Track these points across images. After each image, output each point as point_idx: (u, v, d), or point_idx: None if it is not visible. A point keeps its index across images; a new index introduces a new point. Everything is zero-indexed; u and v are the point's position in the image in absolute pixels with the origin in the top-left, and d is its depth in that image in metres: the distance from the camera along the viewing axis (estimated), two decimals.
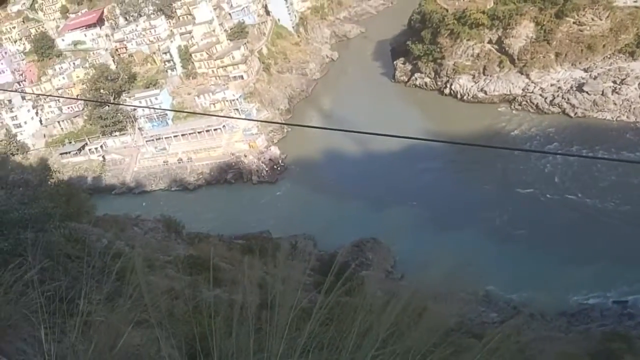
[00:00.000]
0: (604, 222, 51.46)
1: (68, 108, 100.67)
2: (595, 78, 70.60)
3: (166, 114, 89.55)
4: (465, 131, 69.30)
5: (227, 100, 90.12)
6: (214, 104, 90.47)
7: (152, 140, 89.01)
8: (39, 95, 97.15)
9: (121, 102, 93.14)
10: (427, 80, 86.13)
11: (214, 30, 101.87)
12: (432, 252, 50.63)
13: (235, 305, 3.70)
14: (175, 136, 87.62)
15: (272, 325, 3.52)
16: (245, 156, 78.89)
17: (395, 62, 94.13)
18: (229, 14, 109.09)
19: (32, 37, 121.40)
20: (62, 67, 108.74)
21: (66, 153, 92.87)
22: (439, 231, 55.17)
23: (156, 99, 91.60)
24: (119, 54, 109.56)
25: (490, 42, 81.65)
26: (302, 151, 77.30)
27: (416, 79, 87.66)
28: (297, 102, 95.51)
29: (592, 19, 76.25)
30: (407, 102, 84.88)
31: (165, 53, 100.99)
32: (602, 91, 68.06)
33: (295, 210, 66.02)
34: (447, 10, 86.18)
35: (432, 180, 64.06)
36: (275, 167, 76.94)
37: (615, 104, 66.47)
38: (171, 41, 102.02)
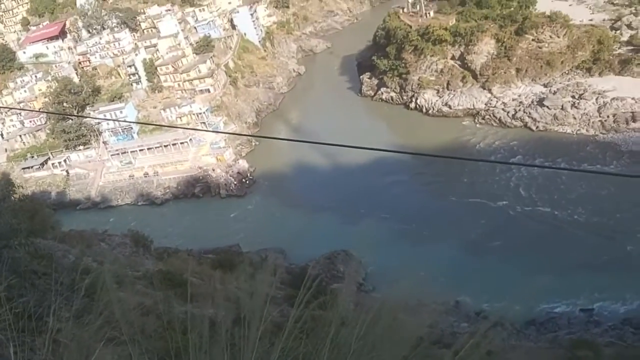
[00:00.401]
0: (570, 232, 52.84)
1: (30, 122, 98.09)
2: (554, 93, 72.96)
3: (131, 128, 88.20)
4: (431, 144, 70.49)
5: (193, 114, 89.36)
6: (180, 118, 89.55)
7: (118, 154, 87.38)
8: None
9: (86, 116, 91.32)
10: (393, 94, 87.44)
11: (179, 44, 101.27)
12: (403, 264, 51.18)
13: (208, 321, 3.69)
14: (141, 150, 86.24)
15: (245, 340, 3.52)
16: (213, 170, 78.20)
17: (361, 77, 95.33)
18: (195, 27, 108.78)
19: None
20: (23, 80, 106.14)
21: (29, 168, 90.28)
22: (408, 243, 55.77)
23: (121, 112, 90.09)
24: (82, 67, 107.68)
25: (453, 58, 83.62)
26: (271, 164, 77.19)
27: (382, 93, 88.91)
28: (265, 115, 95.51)
29: (550, 37, 79.02)
30: (374, 116, 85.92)
31: (130, 66, 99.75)
32: (562, 105, 70.33)
33: (264, 224, 65.72)
34: (410, 27, 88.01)
35: (400, 193, 64.75)
36: (243, 180, 76.49)
37: (574, 118, 68.74)
38: (136, 54, 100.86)
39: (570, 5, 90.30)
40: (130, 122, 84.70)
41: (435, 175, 66.16)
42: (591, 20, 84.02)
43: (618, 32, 79.83)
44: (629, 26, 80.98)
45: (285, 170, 75.30)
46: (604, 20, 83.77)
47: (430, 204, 61.92)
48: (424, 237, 56.16)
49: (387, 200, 63.33)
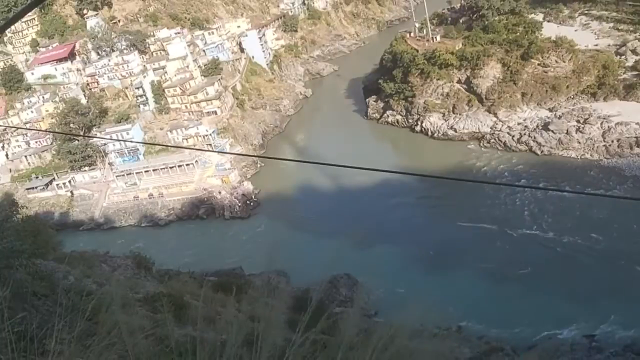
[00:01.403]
0: (574, 257, 52.28)
1: (36, 142, 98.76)
2: (560, 117, 72.96)
3: (137, 149, 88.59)
4: (436, 167, 70.38)
5: (200, 136, 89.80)
6: (186, 139, 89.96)
7: (123, 175, 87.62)
8: (5, 127, 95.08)
9: (92, 135, 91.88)
10: (399, 117, 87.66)
11: (187, 66, 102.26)
12: (407, 288, 50.71)
13: (213, 344, 3.64)
14: (146, 171, 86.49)
15: None
16: (219, 192, 78.18)
17: (367, 100, 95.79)
18: (203, 50, 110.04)
19: (1, 70, 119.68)
20: (30, 101, 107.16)
21: (33, 188, 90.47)
22: (412, 267, 55.24)
23: (127, 133, 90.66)
24: (90, 89, 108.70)
25: (459, 81, 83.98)
26: (276, 186, 77.11)
27: (388, 116, 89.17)
28: (271, 137, 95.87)
29: (556, 61, 79.39)
30: (380, 139, 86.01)
31: (138, 88, 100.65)
32: (567, 130, 70.25)
33: (267, 246, 65.29)
34: (417, 51, 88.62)
35: (404, 216, 64.38)
36: (248, 202, 76.37)
37: (579, 142, 68.58)
38: (144, 76, 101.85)
39: (575, 30, 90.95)
40: (136, 142, 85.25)
41: (439, 198, 65.80)
42: (596, 45, 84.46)
43: (623, 57, 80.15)
44: (634, 51, 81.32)
45: (290, 192, 75.20)
46: (609, 45, 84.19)
47: (434, 228, 61.47)
48: (428, 260, 55.72)
49: (391, 224, 62.93)
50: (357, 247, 60.08)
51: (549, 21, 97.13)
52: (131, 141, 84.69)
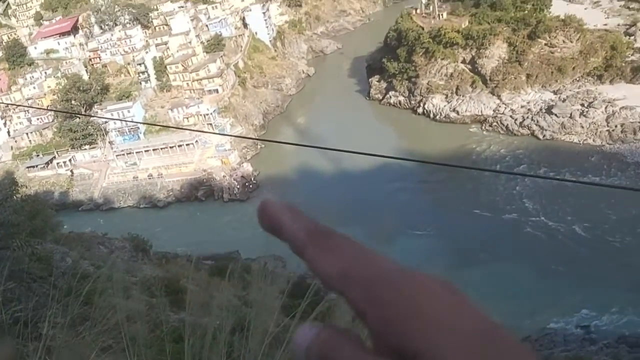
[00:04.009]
0: (569, 245, 51.90)
1: (37, 119, 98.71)
2: (564, 101, 71.48)
3: (138, 128, 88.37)
4: (437, 151, 69.55)
5: (200, 115, 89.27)
6: (187, 118, 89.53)
7: (123, 154, 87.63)
8: (8, 104, 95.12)
9: (93, 114, 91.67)
10: (401, 98, 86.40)
11: (190, 42, 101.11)
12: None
13: (204, 331, 3.65)
14: (146, 151, 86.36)
15: (245, 350, 3.50)
16: (218, 173, 78.04)
17: (370, 80, 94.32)
18: (206, 25, 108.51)
19: (4, 44, 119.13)
20: (33, 77, 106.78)
21: (33, 166, 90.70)
22: (409, 250, 55.10)
23: (129, 111, 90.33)
24: (92, 64, 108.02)
25: (464, 61, 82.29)
26: (275, 168, 76.80)
27: (390, 97, 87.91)
28: (272, 117, 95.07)
29: (564, 41, 77.35)
30: (381, 121, 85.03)
31: (140, 64, 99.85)
32: (571, 114, 68.88)
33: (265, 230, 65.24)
34: (423, 29, 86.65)
35: (404, 200, 64.03)
36: (247, 184, 76.21)
37: (582, 127, 67.30)
38: (146, 52, 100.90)
39: (585, 8, 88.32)
40: (136, 122, 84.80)
41: (439, 182, 65.28)
42: (605, 25, 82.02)
43: (632, 37, 77.87)
44: None
45: (290, 174, 74.88)
46: (618, 25, 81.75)
47: (434, 213, 61.30)
48: (424, 243, 55.63)
49: (391, 208, 62.58)
50: (357, 230, 59.83)
51: None
52: (131, 121, 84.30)
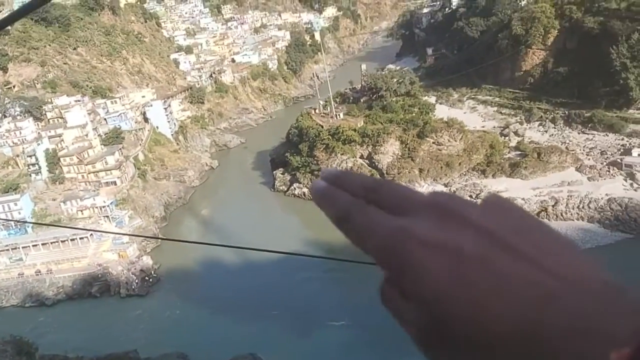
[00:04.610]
0: None
1: None
2: (454, 193, 77.76)
3: (25, 221, 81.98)
4: (340, 241, 70.70)
5: (96, 207, 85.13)
6: (81, 211, 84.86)
7: (7, 250, 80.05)
8: None
9: None
10: (305, 190, 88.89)
11: (87, 135, 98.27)
12: None
13: None
14: (34, 245, 79.69)
15: None
16: (114, 267, 73.47)
17: (274, 172, 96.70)
18: (105, 119, 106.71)
19: None
20: None
21: None
22: (320, 342, 54.36)
23: (15, 204, 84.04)
24: None
25: (362, 157, 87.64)
26: (177, 261, 73.88)
27: (295, 188, 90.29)
28: (174, 209, 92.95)
29: (449, 140, 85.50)
30: (287, 212, 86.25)
31: (31, 156, 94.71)
32: None
33: (166, 326, 61.55)
34: (322, 127, 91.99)
35: (311, 291, 63.93)
36: (146, 278, 72.27)
37: None
38: (38, 144, 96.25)
39: (464, 112, 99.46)
40: (21, 221, 78.85)
41: (345, 271, 66.16)
42: (483, 126, 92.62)
43: (507, 138, 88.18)
44: (516, 133, 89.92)
45: (192, 267, 72.34)
46: (494, 127, 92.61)
47: (339, 301, 61.50)
48: (337, 336, 55.19)
49: (297, 299, 62.17)
50: (263, 325, 58.41)
51: (440, 103, 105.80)
52: (17, 220, 78.24)
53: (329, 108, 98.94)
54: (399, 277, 0.73)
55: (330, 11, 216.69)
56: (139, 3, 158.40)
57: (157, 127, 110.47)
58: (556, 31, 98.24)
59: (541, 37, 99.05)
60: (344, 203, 0.83)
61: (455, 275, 0.65)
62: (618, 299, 0.58)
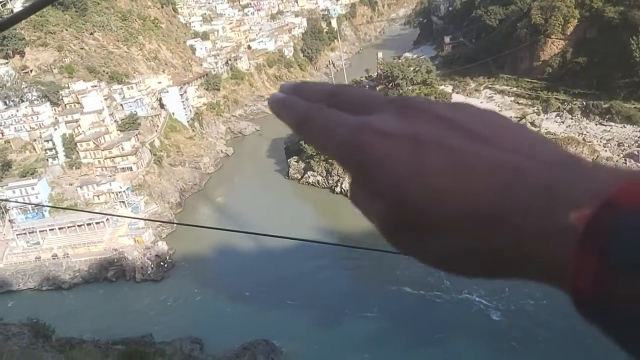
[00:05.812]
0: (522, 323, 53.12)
1: None
2: None
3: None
4: (354, 229, 70.92)
5: (112, 192, 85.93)
6: (97, 196, 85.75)
7: (25, 233, 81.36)
8: None
9: None
10: (319, 178, 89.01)
11: (103, 120, 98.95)
12: (327, 353, 49.97)
13: None
14: (51, 229, 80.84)
15: None
16: (130, 252, 74.26)
17: (289, 160, 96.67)
18: (121, 104, 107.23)
19: None
20: None
21: None
22: (332, 330, 54.60)
23: (32, 189, 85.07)
24: None
25: None
26: (192, 247, 74.44)
27: (309, 176, 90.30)
28: (189, 195, 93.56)
29: None
30: (300, 199, 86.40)
31: (48, 141, 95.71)
32: None
33: (181, 311, 62.30)
34: None
35: (325, 278, 64.12)
36: (161, 263, 73.00)
37: None
38: (55, 129, 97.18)
39: (481, 102, 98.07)
40: (40, 204, 79.80)
41: (360, 259, 66.24)
42: None
43: None
44: (533, 124, 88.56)
45: (207, 253, 72.87)
46: (511, 117, 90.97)
47: (354, 290, 61.58)
48: (348, 322, 55.38)
49: (311, 286, 62.37)
50: (276, 311, 58.83)
51: (457, 93, 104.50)
52: (33, 204, 79.12)
53: None
54: (362, 175, 0.69)
55: None
56: None
57: (173, 114, 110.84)
58: (576, 20, 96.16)
59: (561, 26, 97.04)
60: (303, 107, 0.78)
61: (413, 162, 0.65)
62: (577, 168, 0.59)
